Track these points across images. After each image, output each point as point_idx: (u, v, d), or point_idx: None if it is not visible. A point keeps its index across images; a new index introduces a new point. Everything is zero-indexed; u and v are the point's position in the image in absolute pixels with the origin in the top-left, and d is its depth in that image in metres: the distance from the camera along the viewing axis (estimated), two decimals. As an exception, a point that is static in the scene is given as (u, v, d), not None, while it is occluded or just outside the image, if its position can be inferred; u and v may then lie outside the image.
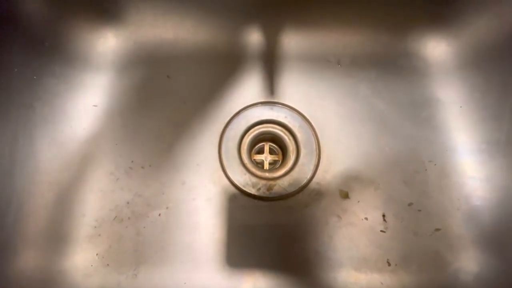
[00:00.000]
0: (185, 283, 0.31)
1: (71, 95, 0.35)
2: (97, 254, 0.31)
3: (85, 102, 0.36)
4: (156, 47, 0.39)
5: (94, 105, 0.36)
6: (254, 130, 0.38)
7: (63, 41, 0.36)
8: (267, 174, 0.35)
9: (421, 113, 0.37)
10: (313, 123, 0.37)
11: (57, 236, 0.32)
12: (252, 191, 0.34)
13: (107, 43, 0.38)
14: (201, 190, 0.34)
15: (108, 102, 0.37)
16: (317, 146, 0.36)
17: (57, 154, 0.34)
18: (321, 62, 0.39)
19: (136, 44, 0.39)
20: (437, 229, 0.33)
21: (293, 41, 0.40)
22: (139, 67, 0.38)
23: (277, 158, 0.38)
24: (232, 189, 0.34)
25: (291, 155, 0.37)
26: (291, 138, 0.37)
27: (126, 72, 0.38)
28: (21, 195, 0.31)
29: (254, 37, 0.40)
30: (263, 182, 0.35)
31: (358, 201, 0.34)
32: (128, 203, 0.33)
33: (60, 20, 0.35)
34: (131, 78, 0.38)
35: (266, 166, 0.38)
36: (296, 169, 0.35)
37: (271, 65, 0.39)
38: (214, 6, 0.38)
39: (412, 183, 0.34)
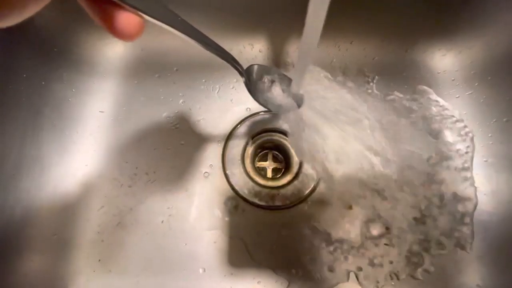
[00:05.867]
0: (186, 291, 0.31)
1: (78, 101, 0.36)
2: (99, 260, 0.32)
3: (92, 108, 0.36)
4: (163, 54, 0.39)
5: (100, 111, 0.36)
6: (258, 138, 0.38)
7: (72, 47, 0.36)
8: (270, 183, 0.35)
9: (427, 125, 0.37)
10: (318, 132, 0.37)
11: (61, 240, 0.32)
12: (255, 200, 0.34)
13: (115, 50, 0.38)
14: (204, 198, 0.34)
15: (114, 108, 0.37)
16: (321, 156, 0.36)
17: (62, 158, 0.34)
18: (327, 71, 0.39)
19: (143, 51, 0.39)
20: (442, 243, 0.32)
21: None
22: (146, 73, 0.38)
23: (280, 166, 0.38)
24: (235, 197, 0.34)
25: (295, 164, 0.37)
26: (295, 147, 0.37)
27: (133, 78, 0.38)
28: (26, 198, 0.31)
29: (260, 45, 0.40)
30: (266, 191, 0.35)
31: (363, 213, 0.33)
32: (131, 209, 0.33)
33: (69, 26, 0.35)
34: (138, 85, 0.38)
35: (269, 173, 0.38)
36: (300, 178, 0.35)
37: (276, 73, 0.39)
38: (221, 14, 0.38)
39: (418, 196, 0.34)
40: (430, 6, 0.37)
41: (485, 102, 0.36)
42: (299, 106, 0.27)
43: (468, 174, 0.34)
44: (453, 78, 0.38)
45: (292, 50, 0.40)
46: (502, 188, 0.33)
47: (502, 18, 0.35)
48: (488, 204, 0.33)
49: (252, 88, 0.25)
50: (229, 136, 0.37)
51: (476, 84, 0.37)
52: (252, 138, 0.37)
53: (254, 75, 0.26)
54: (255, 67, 0.26)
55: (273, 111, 0.27)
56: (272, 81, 0.26)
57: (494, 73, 0.36)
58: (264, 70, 0.26)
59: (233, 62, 0.23)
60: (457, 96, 0.38)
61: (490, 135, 0.35)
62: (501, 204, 0.33)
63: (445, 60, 0.39)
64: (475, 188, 0.34)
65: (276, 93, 0.26)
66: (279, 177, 0.37)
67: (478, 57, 0.37)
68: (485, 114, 0.35)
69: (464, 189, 0.34)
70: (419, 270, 0.31)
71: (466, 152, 0.35)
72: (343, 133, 0.29)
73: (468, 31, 0.37)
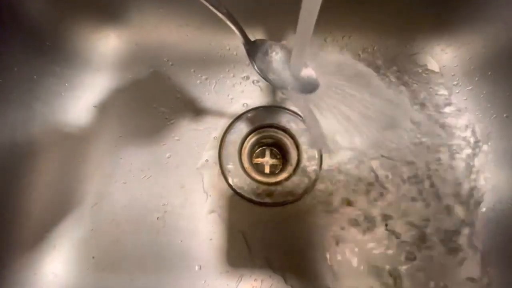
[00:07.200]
0: (181, 289, 0.30)
1: (71, 96, 0.35)
2: (93, 257, 0.31)
3: (84, 103, 0.36)
4: (158, 48, 0.38)
5: (94, 106, 0.36)
6: (256, 134, 0.37)
7: (65, 41, 0.35)
8: (267, 180, 0.35)
9: (427, 121, 0.36)
10: (315, 128, 0.36)
11: (54, 237, 0.31)
12: (252, 196, 0.34)
13: (109, 44, 0.38)
14: (200, 195, 0.34)
15: (108, 103, 0.36)
16: (319, 152, 0.35)
17: (55, 154, 0.33)
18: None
19: (137, 46, 0.38)
20: (444, 240, 0.32)
21: (297, 44, 0.39)
22: (140, 68, 0.38)
23: (278, 163, 0.38)
24: (232, 194, 0.34)
25: (293, 160, 0.36)
26: (292, 143, 0.37)
27: (127, 73, 0.37)
28: (18, 195, 0.31)
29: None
30: (264, 187, 0.34)
31: (361, 209, 0.33)
32: (125, 206, 0.33)
33: (62, 20, 0.35)
34: (132, 80, 0.37)
35: (267, 170, 0.37)
36: (297, 175, 0.35)
37: (274, 68, 0.39)
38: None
39: (418, 192, 0.33)
40: (429, 1, 0.36)
41: (485, 98, 0.35)
42: (311, 91, 0.27)
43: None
44: (453, 73, 0.38)
45: (289, 46, 0.39)
46: (502, 184, 0.33)
47: (502, 13, 0.34)
48: (489, 200, 0.33)
49: (252, 51, 0.26)
50: (226, 131, 0.36)
51: (476, 79, 0.36)
52: (250, 134, 0.37)
53: (257, 44, 0.26)
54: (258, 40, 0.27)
55: (276, 86, 0.27)
56: (274, 50, 0.27)
57: (494, 68, 0.35)
58: (267, 42, 0.27)
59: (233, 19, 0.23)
60: (457, 91, 0.37)
61: (490, 131, 0.34)
62: (501, 200, 0.32)
63: (444, 55, 0.39)
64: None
65: (276, 60, 0.27)
66: (277, 173, 0.36)
67: (478, 52, 0.37)
68: (485, 109, 0.35)
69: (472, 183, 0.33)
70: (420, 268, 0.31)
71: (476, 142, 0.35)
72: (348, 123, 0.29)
73: (467, 26, 0.37)
